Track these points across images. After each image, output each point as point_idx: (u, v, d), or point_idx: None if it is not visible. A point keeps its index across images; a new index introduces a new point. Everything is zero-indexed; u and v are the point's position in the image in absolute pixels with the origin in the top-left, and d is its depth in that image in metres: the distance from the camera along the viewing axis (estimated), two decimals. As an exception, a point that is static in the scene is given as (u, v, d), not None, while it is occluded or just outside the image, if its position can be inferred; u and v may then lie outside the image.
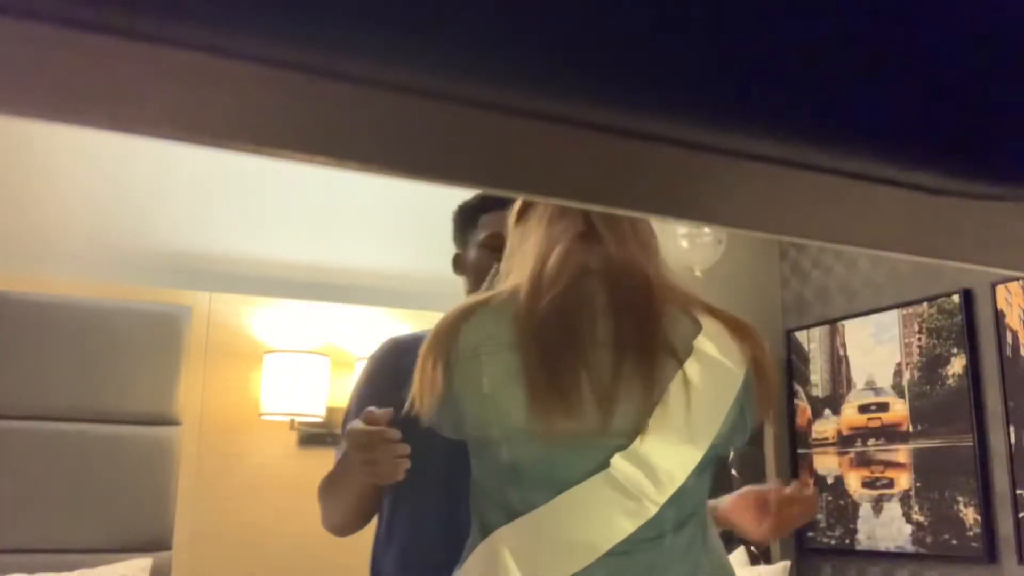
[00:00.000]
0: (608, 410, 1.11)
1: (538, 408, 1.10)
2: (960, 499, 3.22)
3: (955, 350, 3.30)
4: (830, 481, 3.72)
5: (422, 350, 1.17)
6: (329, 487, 1.45)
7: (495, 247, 1.53)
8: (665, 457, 1.12)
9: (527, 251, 1.22)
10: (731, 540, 3.51)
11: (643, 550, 1.12)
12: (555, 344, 1.14)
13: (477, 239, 1.57)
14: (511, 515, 1.13)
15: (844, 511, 3.64)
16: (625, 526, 1.11)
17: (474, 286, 1.56)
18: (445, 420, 1.18)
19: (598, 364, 1.13)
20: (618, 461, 1.11)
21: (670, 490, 1.12)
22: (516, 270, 1.22)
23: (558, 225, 1.21)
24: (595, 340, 1.14)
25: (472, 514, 1.22)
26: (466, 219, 1.62)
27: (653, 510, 1.11)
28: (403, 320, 3.08)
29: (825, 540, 3.71)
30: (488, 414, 1.14)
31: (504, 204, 1.56)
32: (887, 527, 3.46)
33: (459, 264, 1.62)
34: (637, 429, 1.12)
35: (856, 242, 0.30)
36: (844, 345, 3.75)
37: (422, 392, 1.15)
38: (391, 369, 1.53)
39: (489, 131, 0.23)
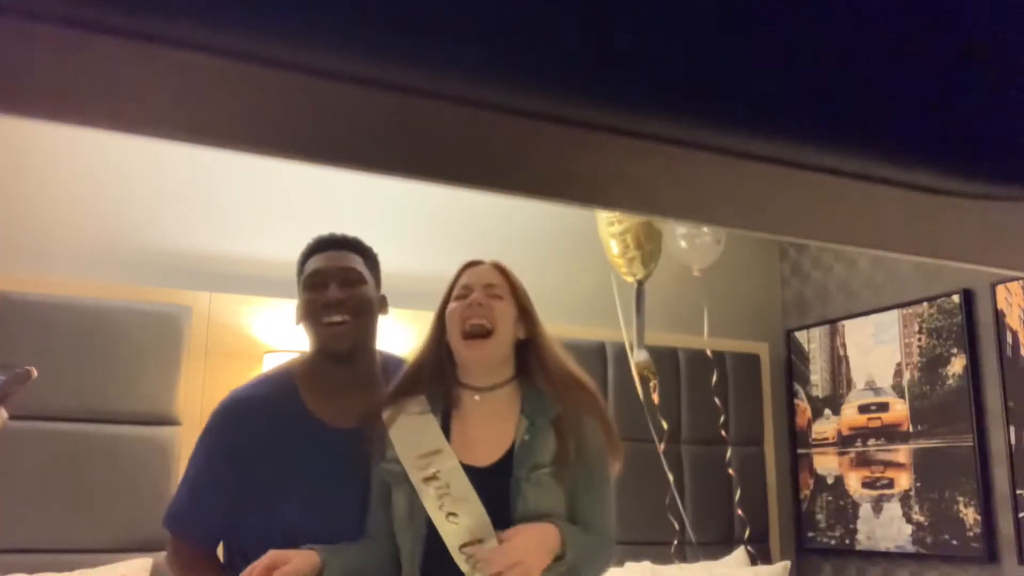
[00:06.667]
0: None
1: None
2: (960, 499, 3.22)
3: (955, 350, 3.30)
4: (830, 481, 3.71)
5: None
6: None
7: (314, 285, 1.54)
8: None
9: None
10: (731, 540, 3.51)
11: None
12: None
13: (301, 282, 1.60)
14: None
15: (844, 511, 3.64)
16: None
17: (307, 329, 1.58)
18: None
19: None
20: None
21: None
22: None
23: None
24: None
25: None
26: (298, 270, 1.64)
27: None
28: (403, 320, 3.08)
29: (825, 540, 3.71)
30: None
31: (327, 246, 1.58)
32: (887, 527, 3.46)
33: (296, 313, 1.64)
34: None
35: (856, 242, 0.30)
36: (844, 345, 3.75)
37: None
38: (233, 426, 1.55)
39: (489, 132, 0.23)
